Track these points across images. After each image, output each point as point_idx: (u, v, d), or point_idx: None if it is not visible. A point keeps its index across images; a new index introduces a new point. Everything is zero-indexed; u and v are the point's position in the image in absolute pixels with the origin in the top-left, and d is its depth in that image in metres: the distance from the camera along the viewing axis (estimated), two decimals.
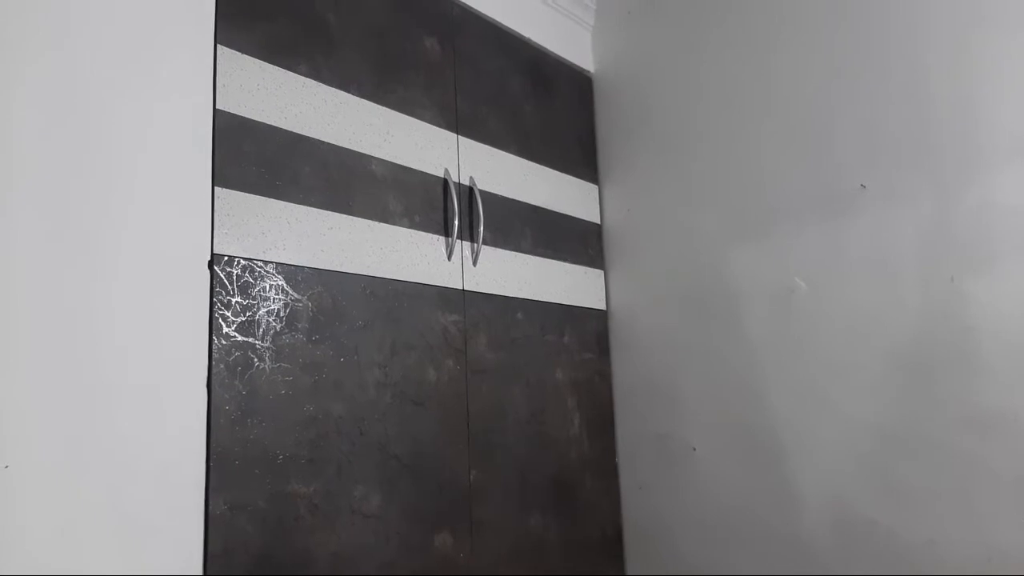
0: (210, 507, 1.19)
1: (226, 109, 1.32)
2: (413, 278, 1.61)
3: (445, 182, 1.72)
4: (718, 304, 1.95)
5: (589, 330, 2.12)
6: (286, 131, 1.42)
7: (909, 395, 1.62)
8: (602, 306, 2.19)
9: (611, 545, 2.06)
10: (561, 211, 2.09)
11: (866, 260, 1.69)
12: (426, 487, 1.56)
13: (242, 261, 1.31)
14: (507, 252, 1.87)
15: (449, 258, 1.70)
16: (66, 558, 1.03)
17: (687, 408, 1.99)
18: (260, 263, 1.33)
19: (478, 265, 1.77)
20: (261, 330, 1.32)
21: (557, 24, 2.22)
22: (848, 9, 1.77)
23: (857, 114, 1.73)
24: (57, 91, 1.10)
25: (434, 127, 1.73)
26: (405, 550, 1.49)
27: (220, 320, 1.25)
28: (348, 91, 1.55)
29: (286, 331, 1.36)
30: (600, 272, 2.20)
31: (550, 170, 2.08)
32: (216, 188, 1.28)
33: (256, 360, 1.30)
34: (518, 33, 2.06)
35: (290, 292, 1.38)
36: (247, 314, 1.30)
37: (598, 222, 2.23)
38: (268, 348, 1.32)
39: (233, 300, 1.28)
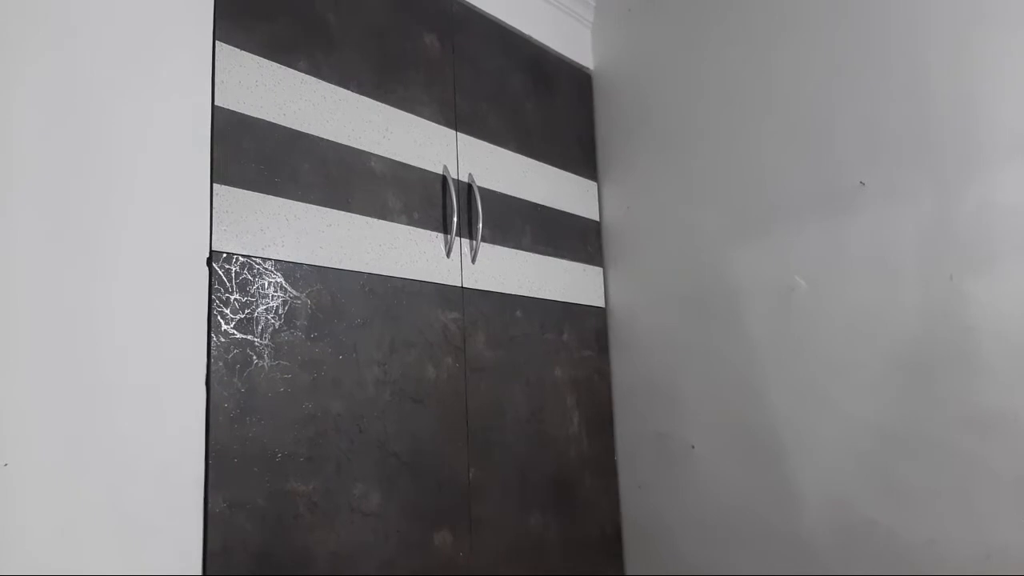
0: (209, 505, 1.19)
1: (225, 106, 1.32)
2: (412, 275, 1.61)
3: (444, 179, 1.72)
4: (718, 302, 1.95)
5: (588, 328, 2.12)
6: (285, 128, 1.41)
7: (909, 394, 1.62)
8: (601, 303, 2.19)
9: (610, 544, 2.06)
10: (560, 208, 2.09)
11: (866, 258, 1.69)
12: (425, 485, 1.56)
13: (241, 258, 1.31)
14: (506, 249, 1.87)
15: (448, 255, 1.70)
16: (66, 558, 1.03)
17: (687, 406, 1.99)
18: (259, 260, 1.34)
19: (477, 262, 1.77)
20: (260, 327, 1.32)
21: (557, 21, 2.21)
22: (848, 7, 1.77)
23: (858, 112, 1.73)
24: (57, 91, 1.10)
25: (433, 124, 1.73)
26: (404, 548, 1.49)
27: (219, 317, 1.25)
28: (347, 88, 1.55)
29: (285, 328, 1.36)
30: (599, 269, 2.20)
31: (549, 167, 2.08)
32: (215, 185, 1.28)
33: (255, 358, 1.30)
34: (518, 30, 2.05)
35: (289, 289, 1.38)
36: (246, 311, 1.30)
37: (597, 219, 2.23)
38: (267, 345, 1.32)
39: (232, 297, 1.28)
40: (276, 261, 1.36)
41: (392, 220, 1.59)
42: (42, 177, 1.07)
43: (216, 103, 1.31)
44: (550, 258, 2.01)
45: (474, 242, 1.76)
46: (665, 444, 2.03)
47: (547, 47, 2.15)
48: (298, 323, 1.38)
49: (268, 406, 1.30)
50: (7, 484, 0.99)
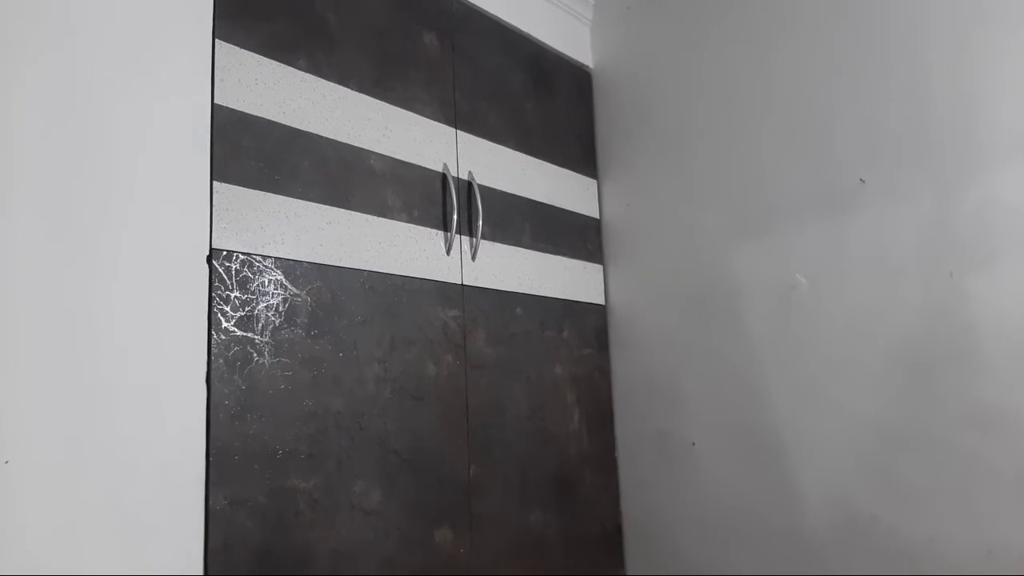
0: (210, 503, 1.19)
1: (225, 104, 1.32)
2: (412, 273, 1.61)
3: (444, 177, 1.72)
4: (718, 300, 1.95)
5: (588, 325, 2.12)
6: (285, 126, 1.42)
7: (910, 392, 1.62)
8: (601, 301, 2.19)
9: (611, 541, 2.06)
10: (560, 206, 2.09)
11: (867, 257, 1.69)
12: (426, 482, 1.56)
13: (241, 256, 1.31)
14: (506, 247, 1.88)
15: (448, 253, 1.70)
16: (66, 558, 1.03)
17: (687, 404, 2.00)
18: (259, 258, 1.34)
19: (477, 260, 1.78)
20: (260, 325, 1.32)
21: (557, 20, 2.21)
22: (849, 6, 1.77)
23: (858, 111, 1.73)
24: (57, 91, 1.10)
25: (433, 122, 1.73)
26: (405, 545, 1.49)
27: (219, 315, 1.26)
28: (347, 86, 1.55)
29: (285, 326, 1.36)
30: (599, 267, 2.20)
31: (549, 165, 2.08)
32: (215, 183, 1.28)
33: (255, 355, 1.30)
34: (517, 28, 2.05)
35: (289, 287, 1.38)
36: (246, 309, 1.30)
37: (597, 217, 2.23)
38: (267, 343, 1.32)
39: (232, 295, 1.29)
40: (276, 259, 1.36)
41: (392, 218, 1.59)
42: (42, 177, 1.08)
43: (216, 101, 1.31)
44: (550, 255, 2.02)
45: (474, 240, 1.76)
46: (665, 441, 2.03)
47: (547, 45, 2.15)
48: (298, 320, 1.38)
49: (269, 403, 1.31)
50: (8, 483, 0.99)
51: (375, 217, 1.55)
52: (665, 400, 2.04)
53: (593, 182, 2.24)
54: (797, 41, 1.85)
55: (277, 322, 1.35)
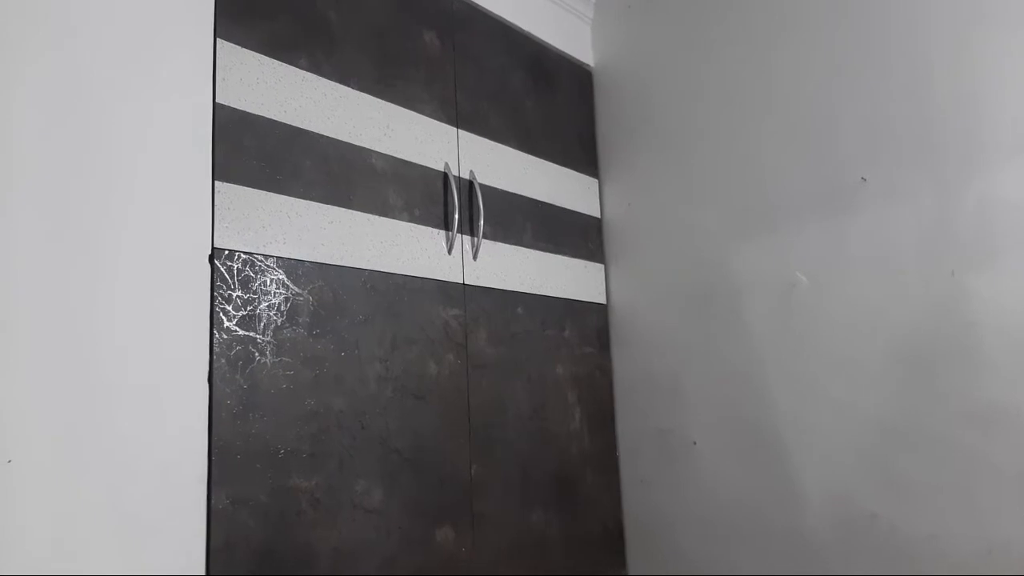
0: (212, 502, 1.19)
1: (226, 103, 1.32)
2: (413, 272, 1.61)
3: (445, 176, 1.72)
4: (719, 299, 1.95)
5: (589, 324, 2.12)
6: (286, 125, 1.42)
7: (911, 390, 1.62)
8: (602, 300, 2.19)
9: (612, 540, 2.07)
10: (561, 205, 2.09)
11: (868, 256, 1.69)
12: (427, 481, 1.57)
13: (243, 255, 1.31)
14: (507, 246, 1.88)
15: (449, 252, 1.70)
16: (67, 558, 1.03)
17: (688, 403, 2.00)
18: (261, 257, 1.34)
19: (478, 259, 1.78)
20: (262, 324, 1.32)
21: (558, 18, 2.21)
22: (849, 6, 1.76)
23: (858, 111, 1.73)
24: (57, 91, 1.10)
25: (434, 121, 1.73)
26: (406, 544, 1.49)
27: (221, 314, 1.26)
28: (348, 85, 1.55)
29: (287, 325, 1.36)
30: (600, 266, 2.20)
31: (550, 164, 2.08)
32: (216, 182, 1.28)
33: (257, 354, 1.30)
34: (518, 27, 2.05)
35: (291, 286, 1.38)
36: (248, 308, 1.30)
37: (598, 216, 2.23)
38: (269, 342, 1.32)
39: (234, 294, 1.29)
40: (278, 258, 1.36)
41: (393, 217, 1.59)
42: (42, 177, 1.07)
43: (217, 100, 1.31)
44: (551, 255, 2.02)
45: (475, 239, 1.76)
46: (666, 440, 2.03)
47: (548, 44, 2.15)
48: (300, 320, 1.38)
49: (270, 403, 1.31)
50: (8, 483, 0.99)
51: (376, 216, 1.55)
52: (666, 399, 2.04)
53: (594, 181, 2.24)
54: (798, 40, 1.85)
55: (279, 321, 1.35)
